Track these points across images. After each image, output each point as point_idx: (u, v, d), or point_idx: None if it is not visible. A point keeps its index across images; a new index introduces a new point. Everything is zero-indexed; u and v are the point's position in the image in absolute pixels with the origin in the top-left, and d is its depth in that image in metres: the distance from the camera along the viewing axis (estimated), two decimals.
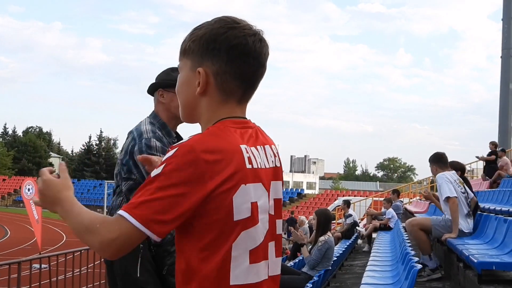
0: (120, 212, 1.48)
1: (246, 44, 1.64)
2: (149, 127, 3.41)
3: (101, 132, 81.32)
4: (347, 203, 17.31)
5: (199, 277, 1.52)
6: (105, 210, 37.44)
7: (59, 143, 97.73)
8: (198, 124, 1.72)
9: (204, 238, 1.53)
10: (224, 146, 1.54)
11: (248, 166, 1.57)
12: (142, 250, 3.25)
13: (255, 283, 1.58)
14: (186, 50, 1.68)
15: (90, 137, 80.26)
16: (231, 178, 1.52)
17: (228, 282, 1.52)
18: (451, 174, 7.35)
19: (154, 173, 1.50)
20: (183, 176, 1.47)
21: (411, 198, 25.55)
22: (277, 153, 1.77)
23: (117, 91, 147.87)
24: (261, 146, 1.68)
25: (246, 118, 1.70)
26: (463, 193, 7.26)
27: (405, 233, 9.37)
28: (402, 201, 18.54)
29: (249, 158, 1.58)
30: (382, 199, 22.62)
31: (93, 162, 75.84)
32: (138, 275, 3.24)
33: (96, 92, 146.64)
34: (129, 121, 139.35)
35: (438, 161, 7.55)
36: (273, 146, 1.76)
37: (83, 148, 79.43)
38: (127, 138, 3.46)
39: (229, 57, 1.62)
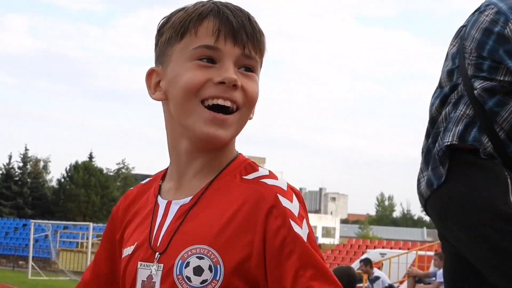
0: None
1: None
2: None
3: (26, 150, 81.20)
4: (368, 263, 17.24)
5: None
6: (30, 261, 37.25)
7: None
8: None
9: None
10: None
11: None
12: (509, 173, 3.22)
13: None
14: (264, 50, 1.91)
15: (10, 157, 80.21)
16: None
17: None
18: None
19: (304, 234, 1.77)
20: None
21: None
22: None
23: (50, 92, 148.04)
24: None
25: None
26: None
27: None
28: None
29: None
30: (431, 253, 22.56)
31: (14, 193, 75.56)
32: None
33: (20, 93, 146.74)
34: (68, 135, 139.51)
35: None
36: None
37: (0, 172, 79.34)
38: (477, 17, 3.27)
39: None
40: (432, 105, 3.38)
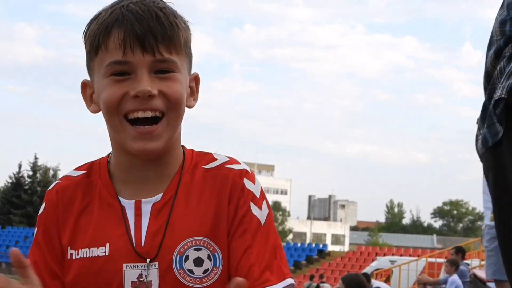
0: (290, 281, 1.85)
1: None
2: None
3: (35, 158, 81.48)
4: (366, 277, 17.17)
5: None
6: None
7: None
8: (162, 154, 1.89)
9: None
10: None
11: None
12: None
13: None
14: (188, 43, 1.88)
15: (20, 166, 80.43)
16: None
17: None
18: None
19: (262, 216, 1.87)
20: None
21: (482, 260, 25.39)
22: None
23: (60, 101, 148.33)
24: None
25: None
26: None
27: None
28: (468, 264, 18.42)
29: None
30: (441, 260, 22.45)
31: (24, 202, 75.67)
32: None
33: (30, 102, 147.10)
34: (78, 144, 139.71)
35: None
36: None
37: (10, 181, 79.47)
38: None
39: None
40: (486, 58, 3.17)
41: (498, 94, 2.98)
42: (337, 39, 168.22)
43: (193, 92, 1.92)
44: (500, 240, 3.19)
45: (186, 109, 1.86)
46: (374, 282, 16.82)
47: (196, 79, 1.93)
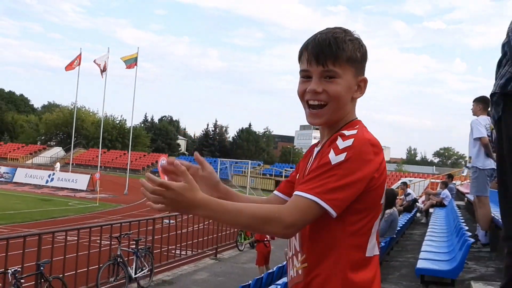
0: (310, 196, 1.42)
1: None
2: None
3: (216, 121, 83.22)
4: (405, 185, 16.96)
5: (342, 247, 1.49)
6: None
7: (184, 129, 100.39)
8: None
9: (358, 219, 1.50)
10: (378, 141, 1.53)
11: None
12: None
13: (375, 255, 1.55)
14: (352, 59, 1.57)
15: (207, 125, 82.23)
16: (383, 170, 1.52)
17: (364, 254, 1.51)
18: (484, 119, 6.37)
19: (335, 160, 1.44)
20: (362, 166, 1.44)
21: (462, 181, 24.55)
22: None
23: (231, 91, 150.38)
24: None
25: None
26: (489, 136, 6.29)
27: (459, 210, 8.93)
28: (455, 184, 17.83)
29: None
30: (438, 180, 21.71)
31: (209, 144, 77.49)
32: None
33: (213, 91, 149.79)
34: (237, 114, 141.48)
35: (484, 102, 6.41)
36: None
37: (203, 133, 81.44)
38: None
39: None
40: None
41: (493, 89, 2.66)
42: (381, 57, 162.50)
43: (360, 88, 1.60)
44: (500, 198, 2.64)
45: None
46: (408, 189, 16.35)
47: (362, 80, 1.60)
